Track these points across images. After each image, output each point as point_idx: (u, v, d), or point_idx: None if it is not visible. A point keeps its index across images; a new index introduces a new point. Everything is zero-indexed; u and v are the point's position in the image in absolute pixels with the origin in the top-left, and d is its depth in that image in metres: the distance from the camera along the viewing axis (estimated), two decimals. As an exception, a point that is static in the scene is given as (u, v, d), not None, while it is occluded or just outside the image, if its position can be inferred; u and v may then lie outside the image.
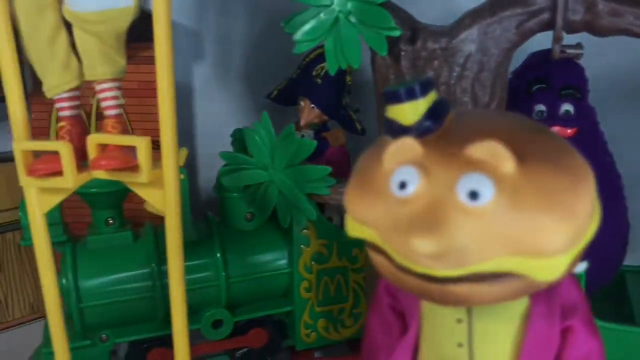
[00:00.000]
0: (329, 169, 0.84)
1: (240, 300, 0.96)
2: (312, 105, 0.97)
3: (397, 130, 0.41)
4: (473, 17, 0.76)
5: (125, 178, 0.63)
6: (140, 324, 0.92)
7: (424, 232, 0.35)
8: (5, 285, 1.15)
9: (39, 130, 1.11)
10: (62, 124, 0.65)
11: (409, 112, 0.41)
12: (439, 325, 0.44)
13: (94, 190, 0.88)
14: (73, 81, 0.64)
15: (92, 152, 0.63)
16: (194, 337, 0.97)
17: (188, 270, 0.91)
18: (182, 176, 0.92)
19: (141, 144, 0.61)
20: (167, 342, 0.94)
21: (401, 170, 0.38)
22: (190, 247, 0.93)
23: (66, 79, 0.64)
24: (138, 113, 1.09)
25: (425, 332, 0.46)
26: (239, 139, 0.98)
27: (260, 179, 0.88)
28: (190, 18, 1.16)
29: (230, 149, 0.98)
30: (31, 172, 0.62)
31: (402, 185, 0.38)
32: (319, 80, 0.96)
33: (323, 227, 0.94)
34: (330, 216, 0.99)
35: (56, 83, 0.64)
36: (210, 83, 1.20)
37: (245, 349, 0.99)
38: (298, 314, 0.97)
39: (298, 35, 0.77)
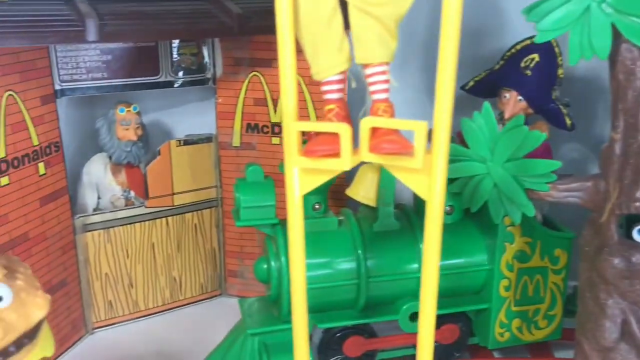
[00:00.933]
0: (558, 163, 0.81)
1: (437, 294, 0.94)
2: (520, 98, 0.94)
3: None
4: None
5: (395, 162, 0.63)
6: (340, 310, 0.92)
7: None
8: (181, 265, 1.18)
9: (225, 114, 1.14)
10: (330, 106, 0.65)
11: None
12: None
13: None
14: (345, 63, 0.64)
15: (364, 136, 0.62)
16: (381, 329, 0.97)
17: (391, 261, 0.92)
18: (392, 165, 0.92)
19: (419, 128, 0.60)
20: (363, 330, 0.94)
21: None
22: (392, 237, 0.93)
23: (339, 60, 0.64)
24: (319, 101, 1.09)
25: None
26: (443, 130, 0.95)
27: (476, 171, 0.85)
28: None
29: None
30: (309, 153, 0.62)
31: None
32: (528, 72, 0.93)
33: (528, 225, 0.91)
34: (533, 213, 0.96)
35: (329, 65, 0.64)
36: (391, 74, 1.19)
37: (435, 344, 0.97)
38: (494, 312, 0.94)
39: (543, 25, 0.74)
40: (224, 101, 1.13)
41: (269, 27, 0.97)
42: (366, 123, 0.62)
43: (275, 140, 1.12)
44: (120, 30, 0.84)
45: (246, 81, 1.11)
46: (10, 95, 0.89)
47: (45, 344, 0.57)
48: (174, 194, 1.14)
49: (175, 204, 1.14)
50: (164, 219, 1.14)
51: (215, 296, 1.24)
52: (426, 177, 0.63)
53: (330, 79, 0.65)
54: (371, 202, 0.92)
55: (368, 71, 0.64)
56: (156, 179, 1.11)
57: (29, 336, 0.54)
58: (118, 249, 1.10)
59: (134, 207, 1.10)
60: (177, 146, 1.12)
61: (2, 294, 0.52)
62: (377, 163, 0.65)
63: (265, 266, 0.91)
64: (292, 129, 0.63)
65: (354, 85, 0.67)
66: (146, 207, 1.11)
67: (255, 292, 1.22)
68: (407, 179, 0.65)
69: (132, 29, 0.86)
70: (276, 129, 1.12)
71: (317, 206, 0.91)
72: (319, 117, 1.09)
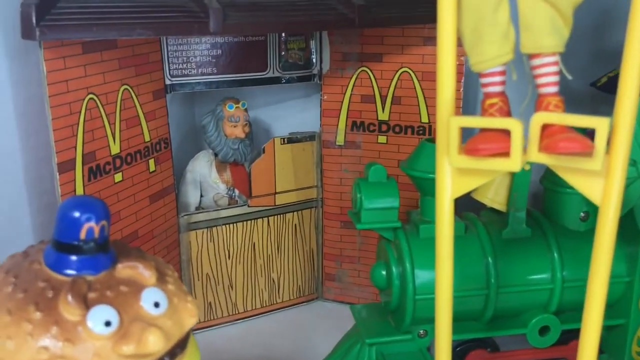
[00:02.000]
0: None
1: (567, 306, 0.87)
2: (665, 96, 0.86)
3: None
4: None
5: (570, 163, 0.56)
6: (464, 322, 0.86)
7: None
8: (280, 266, 1.14)
9: (330, 112, 1.09)
10: (493, 100, 0.59)
11: None
12: None
13: (433, 176, 0.82)
14: (510, 53, 0.58)
15: (535, 134, 0.56)
16: (504, 343, 0.91)
17: (522, 271, 0.85)
18: (527, 167, 0.86)
19: (600, 126, 0.54)
20: (486, 344, 0.88)
21: None
22: (522, 245, 0.86)
23: (504, 50, 0.58)
24: (434, 97, 1.03)
25: None
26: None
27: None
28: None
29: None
30: (473, 151, 0.56)
31: None
32: (675, 67, 0.85)
33: (674, 234, 0.83)
34: (678, 222, 0.87)
35: (493, 55, 0.58)
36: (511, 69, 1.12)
37: (561, 360, 0.90)
38: (631, 328, 0.86)
39: None
40: (329, 98, 1.09)
41: (391, 19, 0.93)
42: (538, 119, 0.56)
43: (381, 139, 1.07)
44: (242, 22, 0.81)
45: (354, 77, 1.06)
46: (125, 89, 0.87)
47: (193, 353, 0.53)
48: (276, 193, 1.10)
49: (277, 203, 1.11)
50: (265, 219, 1.10)
51: (312, 300, 1.20)
52: (602, 181, 0.57)
53: (493, 71, 0.59)
54: (501, 207, 0.86)
55: (536, 62, 0.58)
56: (260, 178, 1.08)
57: (181, 345, 0.51)
58: (220, 249, 1.07)
59: (237, 206, 1.07)
60: (280, 144, 1.08)
61: (159, 300, 0.48)
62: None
63: (384, 272, 0.86)
64: (453, 124, 0.57)
65: (515, 77, 0.61)
66: (249, 207, 1.08)
67: (353, 297, 1.17)
68: (578, 181, 0.58)
69: (252, 21, 0.82)
70: (383, 127, 1.07)
71: (441, 209, 0.85)
72: (431, 116, 1.04)
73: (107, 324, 0.46)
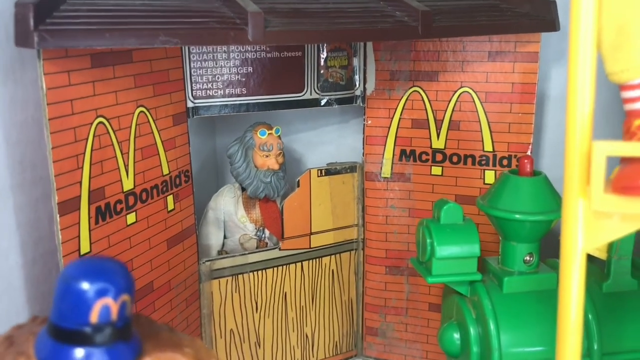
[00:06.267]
0: None
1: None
2: None
3: None
4: None
5: None
6: (558, 397, 0.70)
7: None
8: (314, 319, 0.98)
9: (374, 139, 0.94)
10: (643, 120, 0.45)
11: None
12: None
13: (520, 216, 0.67)
14: (668, 59, 0.44)
15: None
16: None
17: (631, 332, 0.69)
18: None
19: None
20: None
21: None
22: (629, 300, 0.71)
23: (662, 54, 0.44)
24: (500, 122, 0.89)
25: None
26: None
27: None
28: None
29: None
30: (629, 189, 0.41)
31: None
32: None
33: None
34: None
35: (645, 60, 0.44)
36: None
37: None
38: None
39: None
40: (374, 123, 0.94)
41: (461, 28, 0.78)
42: None
43: (436, 170, 0.92)
44: (285, 30, 0.66)
45: (403, 99, 0.92)
46: (141, 112, 0.72)
47: None
48: (311, 233, 0.95)
49: (312, 246, 0.95)
50: (298, 264, 0.95)
51: (351, 357, 1.03)
52: None
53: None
54: (599, 253, 0.70)
55: None
56: (293, 216, 0.92)
57: None
58: (246, 300, 0.91)
59: (266, 250, 0.92)
60: (317, 176, 0.93)
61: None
62: None
63: (457, 335, 0.70)
64: (597, 152, 0.42)
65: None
66: (280, 250, 0.92)
67: (398, 354, 1.01)
68: None
69: (298, 28, 0.68)
70: (438, 156, 0.92)
71: (528, 258, 0.70)
72: (496, 144, 0.89)
73: None
